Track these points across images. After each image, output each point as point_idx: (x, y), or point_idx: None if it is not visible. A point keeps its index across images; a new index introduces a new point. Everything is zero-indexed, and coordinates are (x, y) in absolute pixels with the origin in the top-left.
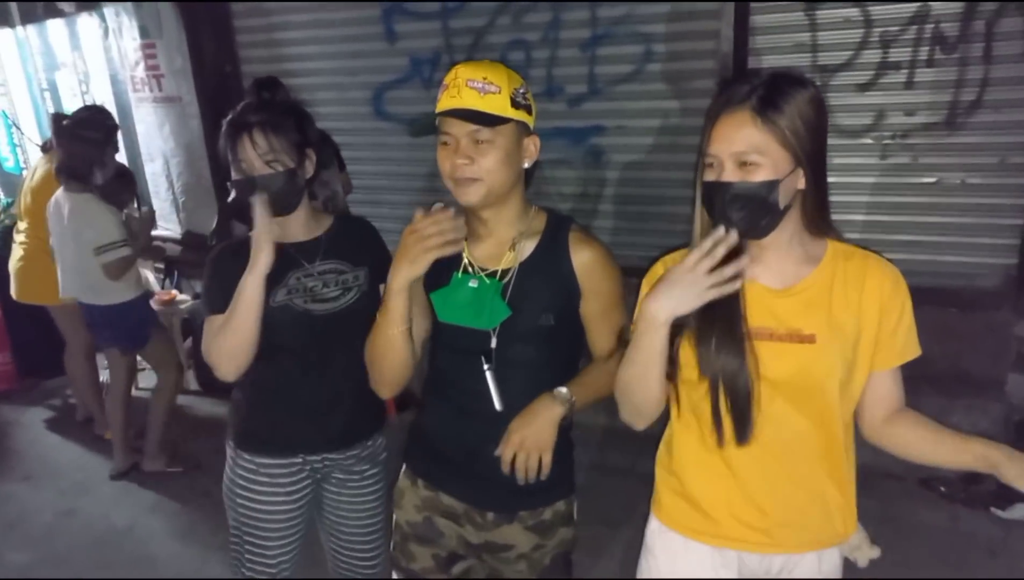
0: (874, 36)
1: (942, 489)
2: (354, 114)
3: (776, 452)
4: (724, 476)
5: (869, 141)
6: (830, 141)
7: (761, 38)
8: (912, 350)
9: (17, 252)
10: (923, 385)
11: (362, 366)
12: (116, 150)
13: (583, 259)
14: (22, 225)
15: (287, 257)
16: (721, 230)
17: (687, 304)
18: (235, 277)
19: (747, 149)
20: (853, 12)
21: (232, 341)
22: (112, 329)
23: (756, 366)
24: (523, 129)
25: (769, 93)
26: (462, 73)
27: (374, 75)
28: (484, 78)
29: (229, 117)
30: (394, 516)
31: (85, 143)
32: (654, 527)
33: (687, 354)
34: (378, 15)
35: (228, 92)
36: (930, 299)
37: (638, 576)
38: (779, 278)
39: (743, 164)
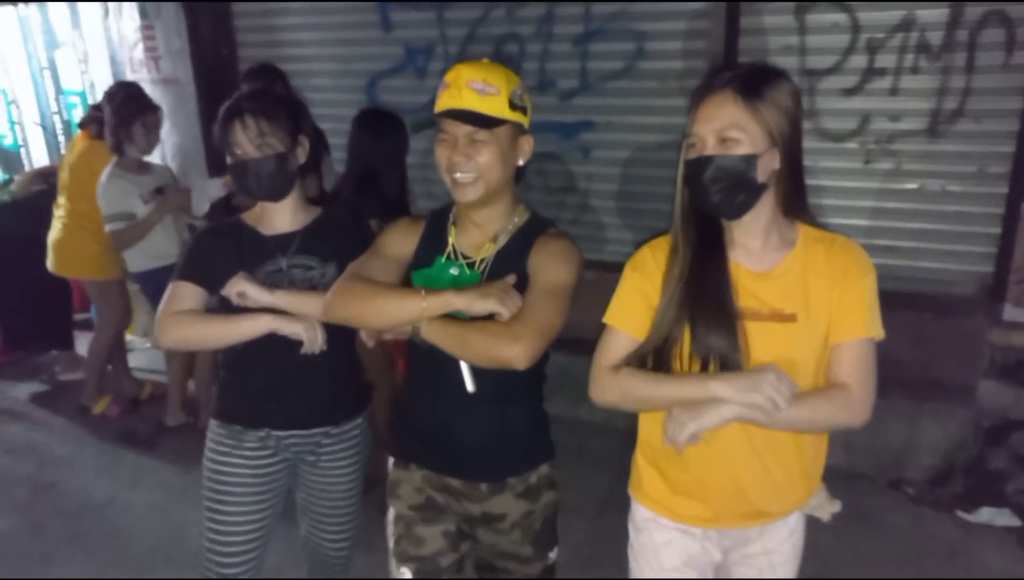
0: (861, 42)
1: (910, 491)
2: (348, 101)
3: (757, 426)
4: (707, 457)
5: (854, 146)
6: (815, 145)
7: (750, 39)
8: (866, 329)
9: (56, 226)
10: (895, 388)
11: (324, 356)
12: (148, 128)
13: (536, 249)
14: (61, 200)
15: (264, 248)
16: None
17: None
18: (212, 254)
19: (728, 125)
20: (841, 17)
21: (193, 341)
22: (151, 291)
23: (747, 344)
24: (518, 129)
25: (750, 78)
26: (464, 73)
27: (369, 63)
28: (484, 79)
29: (224, 105)
30: (391, 511)
31: (114, 116)
32: (643, 516)
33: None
34: (375, 4)
35: (224, 75)
36: (906, 304)
37: (630, 562)
38: (759, 261)
39: (724, 140)
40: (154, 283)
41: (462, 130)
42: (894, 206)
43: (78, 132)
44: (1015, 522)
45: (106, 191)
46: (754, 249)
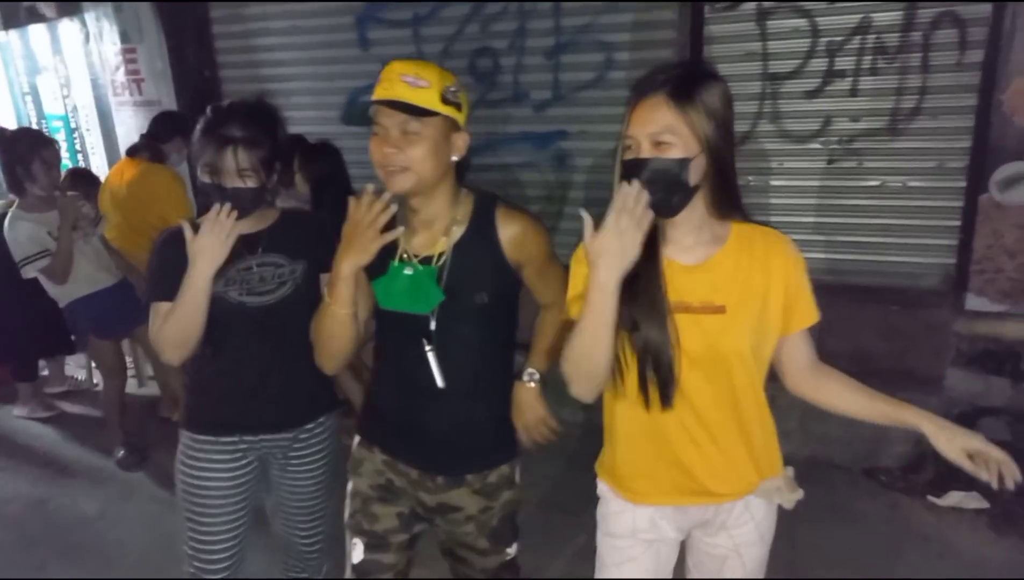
0: (820, 45)
1: (883, 478)
2: (328, 118)
3: (695, 413)
4: (654, 438)
5: (817, 146)
6: (780, 146)
7: (715, 47)
8: (815, 313)
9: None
10: (867, 379)
11: (298, 354)
12: (48, 165)
13: (510, 234)
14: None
15: (231, 249)
16: (634, 186)
17: (628, 255)
18: (177, 264)
19: (661, 129)
20: (801, 23)
21: (176, 330)
22: (89, 319)
23: (677, 337)
24: (452, 124)
25: (682, 82)
26: (396, 68)
27: (348, 80)
28: (416, 73)
29: (212, 122)
30: (350, 485)
31: (7, 156)
32: (602, 489)
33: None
34: (352, 22)
35: (206, 96)
36: (875, 298)
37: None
38: (691, 256)
39: (658, 144)
40: (80, 312)
41: (394, 120)
42: (858, 203)
43: (123, 159)
44: (984, 504)
45: (15, 236)
46: (687, 245)
